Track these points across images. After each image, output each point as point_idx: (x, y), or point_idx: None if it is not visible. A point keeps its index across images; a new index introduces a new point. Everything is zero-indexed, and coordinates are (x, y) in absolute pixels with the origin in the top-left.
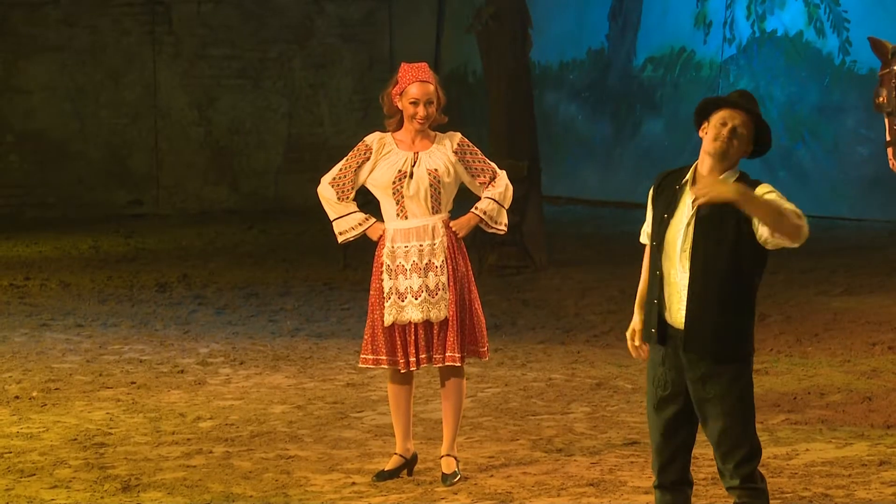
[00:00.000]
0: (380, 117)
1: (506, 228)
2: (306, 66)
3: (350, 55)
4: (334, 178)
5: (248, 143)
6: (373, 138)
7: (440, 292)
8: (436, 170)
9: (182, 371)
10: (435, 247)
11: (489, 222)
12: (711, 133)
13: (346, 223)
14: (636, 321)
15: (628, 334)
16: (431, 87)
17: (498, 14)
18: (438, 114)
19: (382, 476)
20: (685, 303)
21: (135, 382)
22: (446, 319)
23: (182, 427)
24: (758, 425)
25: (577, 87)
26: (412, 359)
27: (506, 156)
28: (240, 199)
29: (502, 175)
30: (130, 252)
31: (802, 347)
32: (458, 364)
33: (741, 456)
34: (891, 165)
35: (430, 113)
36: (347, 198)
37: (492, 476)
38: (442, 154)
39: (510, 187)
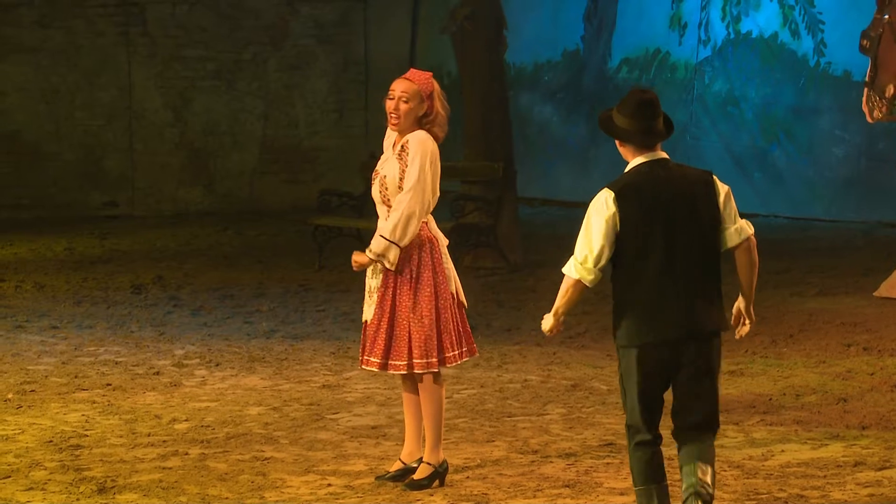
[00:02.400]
0: (354, 118)
1: (392, 266)
2: (281, 68)
3: (325, 57)
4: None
5: (223, 144)
6: (388, 132)
7: (374, 295)
8: (385, 176)
9: (158, 373)
10: None
11: (379, 261)
12: None
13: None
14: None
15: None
16: (412, 86)
17: (473, 15)
18: (430, 121)
19: (382, 478)
20: None
21: (110, 384)
22: (371, 323)
23: (158, 429)
24: (734, 427)
25: (553, 89)
26: (361, 357)
27: (481, 157)
28: (215, 200)
29: (403, 200)
30: (105, 254)
31: (777, 349)
32: (374, 369)
33: None
34: (863, 105)
35: (402, 109)
36: None
37: (468, 477)
38: (395, 157)
39: (406, 218)
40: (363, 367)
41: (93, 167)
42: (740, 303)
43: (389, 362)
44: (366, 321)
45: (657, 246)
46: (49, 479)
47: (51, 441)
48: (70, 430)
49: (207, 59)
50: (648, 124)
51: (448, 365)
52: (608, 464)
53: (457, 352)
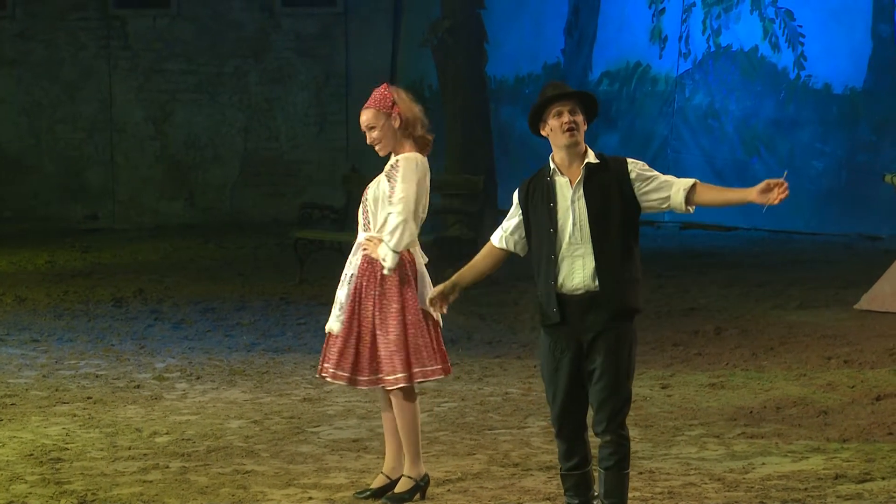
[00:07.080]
0: (335, 131)
1: (389, 271)
2: (262, 81)
3: (306, 70)
4: None
5: (204, 157)
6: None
7: (340, 306)
8: (367, 199)
9: (138, 386)
10: (352, 263)
11: (382, 262)
12: (557, 128)
13: None
14: (451, 283)
15: (441, 290)
16: (371, 111)
17: (453, 28)
18: (410, 125)
19: (363, 493)
20: (595, 268)
21: (91, 397)
22: (338, 336)
23: (138, 442)
24: (715, 439)
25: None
26: (320, 365)
27: (462, 170)
28: (196, 213)
29: (394, 210)
30: (86, 267)
31: (758, 361)
32: (342, 383)
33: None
34: None
35: (374, 138)
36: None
37: (449, 490)
38: (384, 176)
39: (396, 225)
40: (325, 377)
41: (74, 180)
42: None
43: (357, 378)
44: (330, 332)
45: None
46: (30, 493)
47: (31, 454)
48: (51, 444)
49: (188, 72)
50: None
51: (416, 381)
52: None
53: (428, 368)
